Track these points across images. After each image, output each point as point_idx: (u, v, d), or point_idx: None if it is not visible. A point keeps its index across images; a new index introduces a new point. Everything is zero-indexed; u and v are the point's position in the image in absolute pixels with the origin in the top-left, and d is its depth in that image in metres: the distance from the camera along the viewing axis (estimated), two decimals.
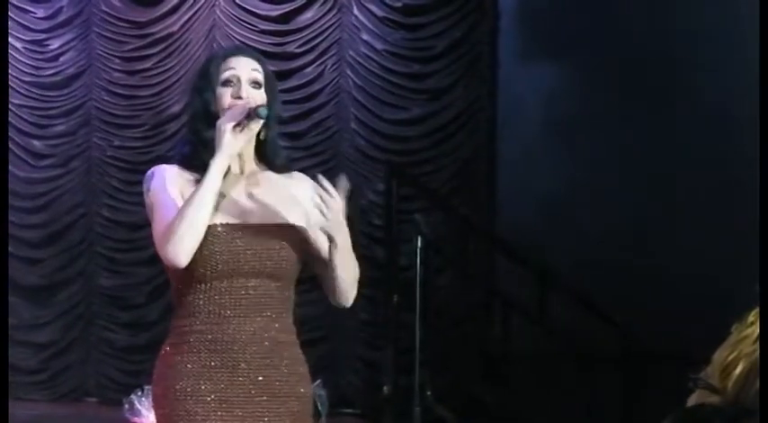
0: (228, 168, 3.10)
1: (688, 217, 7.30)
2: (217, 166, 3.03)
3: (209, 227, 3.03)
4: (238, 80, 3.13)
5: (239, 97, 3.10)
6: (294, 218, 3.14)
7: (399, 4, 8.51)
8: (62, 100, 9.29)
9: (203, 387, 3.05)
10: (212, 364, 3.05)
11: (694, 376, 2.01)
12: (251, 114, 3.04)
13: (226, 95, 3.12)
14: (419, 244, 6.65)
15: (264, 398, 3.08)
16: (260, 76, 3.16)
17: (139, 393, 5.30)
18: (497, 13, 8.36)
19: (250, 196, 3.14)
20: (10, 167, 9.27)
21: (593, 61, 7.89)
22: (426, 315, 6.74)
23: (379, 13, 8.55)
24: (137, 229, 9.05)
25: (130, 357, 9.01)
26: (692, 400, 2.02)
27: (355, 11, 8.63)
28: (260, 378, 3.07)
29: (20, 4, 9.27)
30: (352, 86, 8.63)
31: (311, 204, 3.08)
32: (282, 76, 8.58)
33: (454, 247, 8.09)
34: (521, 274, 7.62)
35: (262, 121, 3.07)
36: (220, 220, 3.06)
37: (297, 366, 3.16)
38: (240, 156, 3.14)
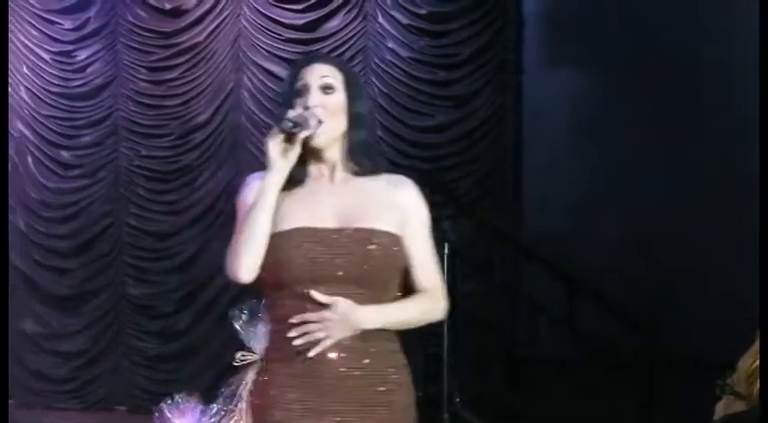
0: (309, 174, 3.11)
1: (719, 222, 7.27)
2: (267, 183, 3.02)
3: (285, 232, 3.01)
4: (308, 90, 3.09)
5: (307, 107, 3.06)
6: (383, 223, 3.06)
7: (424, 12, 8.53)
8: (89, 110, 9.34)
9: (290, 396, 3.02)
10: (299, 372, 3.01)
11: (721, 383, 2.01)
12: (295, 125, 3.01)
13: (297, 106, 3.07)
14: (446, 251, 6.66)
15: (350, 406, 3.02)
16: (330, 81, 3.10)
17: (169, 402, 5.33)
18: (522, 19, 8.36)
19: (334, 201, 3.08)
20: (39, 178, 9.36)
21: (618, 67, 7.87)
22: (454, 322, 6.75)
23: (404, 20, 8.57)
24: (165, 238, 9.11)
25: (160, 366, 9.06)
26: (719, 407, 2.03)
27: (380, 19, 8.65)
28: (346, 386, 3.01)
29: (47, 16, 9.35)
30: (377, 94, 8.63)
31: (409, 210, 3.10)
32: None
33: (481, 253, 8.09)
34: (548, 279, 7.61)
35: (307, 130, 3.03)
36: (297, 224, 3.02)
37: (387, 374, 3.08)
38: (327, 160, 3.12)
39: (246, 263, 3.00)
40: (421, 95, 8.57)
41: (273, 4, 8.87)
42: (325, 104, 3.07)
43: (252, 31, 8.94)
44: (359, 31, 8.71)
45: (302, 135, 3.03)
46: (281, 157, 3.03)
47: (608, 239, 7.62)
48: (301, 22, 8.85)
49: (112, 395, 9.22)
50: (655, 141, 7.62)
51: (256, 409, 3.13)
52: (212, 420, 5.06)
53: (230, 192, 8.81)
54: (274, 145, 3.03)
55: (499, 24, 8.38)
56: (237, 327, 4.93)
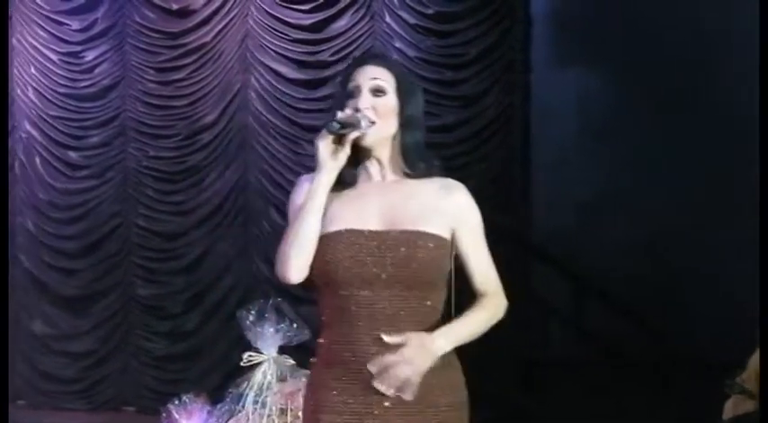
0: (360, 175, 3.09)
1: (726, 221, 7.26)
2: (316, 184, 3.01)
3: (333, 234, 2.99)
4: (360, 92, 3.06)
5: (357, 109, 3.02)
6: (430, 226, 3.04)
7: (431, 12, 8.52)
8: (97, 111, 9.34)
9: (336, 399, 2.99)
10: (344, 377, 2.98)
11: (730, 382, 2.00)
12: (343, 126, 2.98)
13: (348, 107, 3.04)
14: (454, 251, 6.64)
15: (397, 408, 2.97)
16: (381, 83, 3.07)
17: (177, 402, 5.32)
18: (530, 19, 8.35)
19: (382, 203, 3.06)
20: (47, 179, 9.36)
21: (625, 66, 7.87)
22: None
23: (411, 20, 8.56)
24: (173, 238, 9.10)
25: (168, 366, 9.05)
26: (728, 406, 2.02)
27: (387, 18, 8.64)
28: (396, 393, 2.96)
29: (55, 17, 9.36)
30: None
31: (461, 215, 3.15)
32: (315, 84, 8.63)
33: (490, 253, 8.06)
34: (557, 279, 7.60)
35: (357, 131, 3.00)
36: (344, 226, 3.00)
37: (436, 375, 3.01)
38: (377, 161, 3.09)
39: (296, 264, 2.98)
40: (428, 95, 8.50)
41: (281, 5, 8.87)
42: (376, 107, 3.05)
43: (259, 31, 8.93)
44: (366, 31, 8.70)
45: (352, 136, 3.00)
46: (330, 158, 3.01)
47: (616, 239, 7.61)
48: (309, 22, 8.84)
49: (121, 395, 9.22)
50: (663, 141, 7.62)
51: (306, 414, 3.11)
52: (220, 421, 5.06)
53: (238, 192, 8.82)
54: (324, 146, 3.01)
55: (507, 24, 8.36)
56: (245, 327, 4.93)
